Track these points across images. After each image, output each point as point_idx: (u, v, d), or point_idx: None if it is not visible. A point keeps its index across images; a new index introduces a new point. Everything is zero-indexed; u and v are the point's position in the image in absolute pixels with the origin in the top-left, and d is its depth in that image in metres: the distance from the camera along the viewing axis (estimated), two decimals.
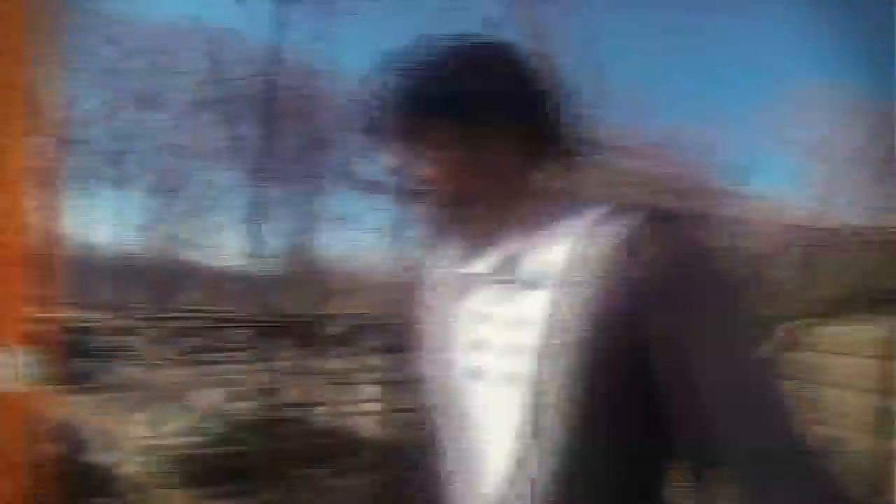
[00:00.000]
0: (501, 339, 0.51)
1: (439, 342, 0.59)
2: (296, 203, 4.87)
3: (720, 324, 0.44)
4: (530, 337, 0.49)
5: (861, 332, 2.91)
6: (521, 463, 0.50)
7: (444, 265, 0.62)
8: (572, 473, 0.48)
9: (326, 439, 3.67)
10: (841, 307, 3.85)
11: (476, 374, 0.53)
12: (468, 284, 0.57)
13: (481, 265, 0.56)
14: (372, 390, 3.67)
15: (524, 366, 0.49)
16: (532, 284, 0.51)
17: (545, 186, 0.56)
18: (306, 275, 4.47)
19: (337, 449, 3.18)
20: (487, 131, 0.52)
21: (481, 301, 0.55)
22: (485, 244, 0.56)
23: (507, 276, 0.53)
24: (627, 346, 0.45)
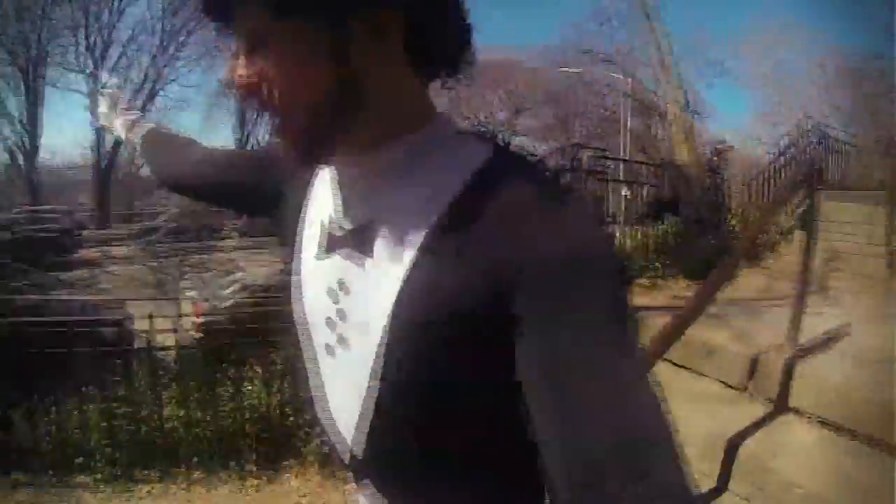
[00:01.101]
0: (355, 316, 0.47)
1: (298, 309, 0.52)
2: None
3: (597, 317, 0.37)
4: (384, 312, 0.43)
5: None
6: (368, 435, 0.47)
7: (306, 208, 0.53)
8: (413, 447, 0.46)
9: None
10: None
11: (330, 350, 0.49)
12: (325, 240, 0.49)
13: (337, 217, 0.48)
14: None
15: (375, 341, 0.44)
16: (389, 258, 0.44)
17: (410, 108, 0.45)
18: None
19: None
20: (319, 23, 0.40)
21: (338, 265, 0.48)
22: (337, 183, 0.48)
23: (363, 245, 0.46)
24: (489, 332, 0.40)
